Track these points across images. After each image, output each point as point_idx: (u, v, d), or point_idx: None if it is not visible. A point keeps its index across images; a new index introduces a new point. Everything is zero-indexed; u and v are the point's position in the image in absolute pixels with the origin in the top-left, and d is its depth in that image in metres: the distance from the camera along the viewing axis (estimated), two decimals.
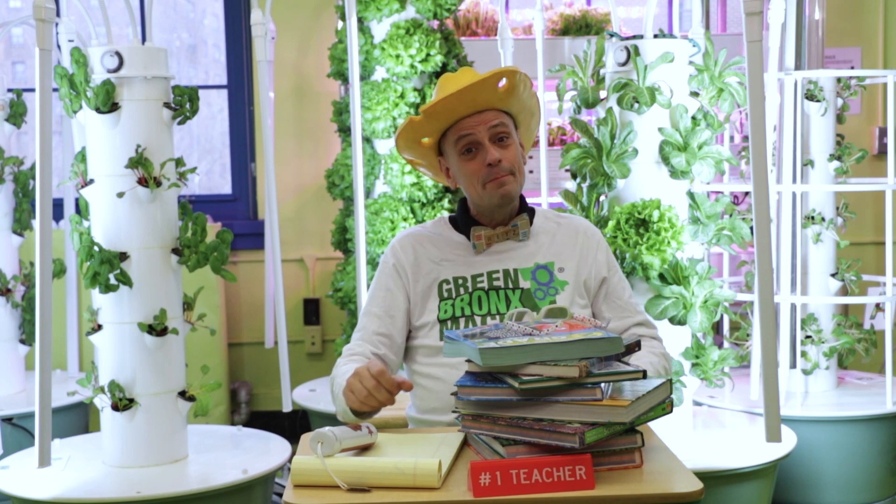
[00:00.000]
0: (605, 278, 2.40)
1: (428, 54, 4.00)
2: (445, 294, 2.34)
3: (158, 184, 3.08)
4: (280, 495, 3.52)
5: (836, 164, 3.92)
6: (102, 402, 3.14)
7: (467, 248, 2.39)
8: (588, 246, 2.41)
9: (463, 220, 2.41)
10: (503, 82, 2.27)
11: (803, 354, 3.89)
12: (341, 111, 4.28)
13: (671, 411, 1.90)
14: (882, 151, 5.00)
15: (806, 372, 3.88)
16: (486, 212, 2.38)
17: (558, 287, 2.34)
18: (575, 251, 2.39)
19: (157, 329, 3.10)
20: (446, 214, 2.49)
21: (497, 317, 2.29)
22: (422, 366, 2.36)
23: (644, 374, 1.84)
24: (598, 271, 2.39)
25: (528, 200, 2.48)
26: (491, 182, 2.30)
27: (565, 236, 2.41)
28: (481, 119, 2.30)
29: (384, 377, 1.98)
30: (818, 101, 3.87)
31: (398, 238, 2.45)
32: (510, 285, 2.33)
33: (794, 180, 3.80)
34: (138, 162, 3.06)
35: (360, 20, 4.07)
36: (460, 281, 2.34)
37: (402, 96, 4.00)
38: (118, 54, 3.05)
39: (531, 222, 2.41)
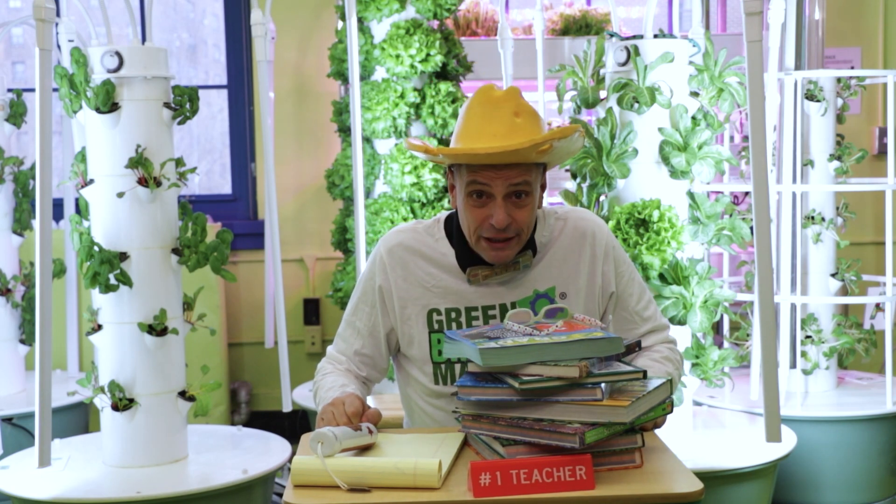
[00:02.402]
0: (613, 292, 2.22)
1: (428, 54, 4.00)
2: (436, 326, 2.18)
3: (158, 184, 3.08)
4: (280, 495, 3.52)
5: (836, 164, 3.91)
6: (102, 402, 3.14)
7: (462, 275, 2.18)
8: (594, 259, 2.20)
9: (459, 249, 2.18)
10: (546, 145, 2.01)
11: (803, 354, 3.89)
12: (341, 111, 4.28)
13: (671, 411, 1.90)
14: (882, 151, 5.00)
15: (806, 372, 3.88)
16: None
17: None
18: (579, 269, 2.20)
19: (157, 329, 3.10)
20: (444, 214, 2.27)
21: None
22: (419, 399, 2.26)
23: (644, 375, 1.84)
24: (605, 288, 2.21)
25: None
26: (487, 241, 2.09)
27: (569, 248, 2.21)
28: (503, 175, 2.03)
29: (356, 418, 1.99)
30: (818, 101, 3.87)
31: (388, 245, 2.22)
32: None
33: (794, 180, 3.80)
34: (138, 162, 3.06)
35: (360, 20, 4.07)
36: (453, 315, 2.17)
37: (402, 96, 4.00)
38: (118, 54, 3.05)
39: (535, 252, 2.18)
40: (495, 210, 2.05)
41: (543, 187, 2.17)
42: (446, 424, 2.20)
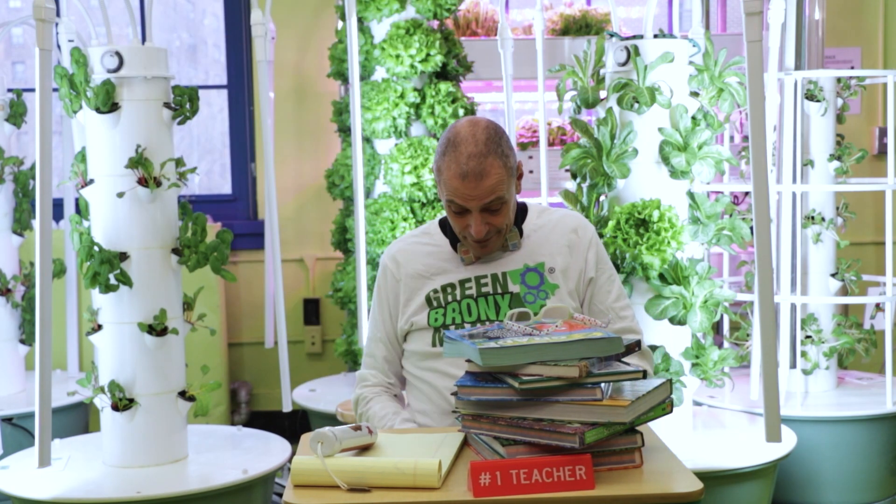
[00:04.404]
0: (592, 278, 2.35)
1: (428, 54, 4.00)
2: (434, 304, 2.33)
3: (158, 184, 3.08)
4: (280, 495, 3.52)
5: (836, 164, 3.91)
6: (102, 402, 3.14)
7: (458, 260, 2.36)
8: (579, 246, 2.36)
9: (452, 233, 2.37)
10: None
11: (803, 354, 3.89)
12: (341, 111, 4.28)
13: (671, 411, 1.90)
14: (882, 151, 5.00)
15: (806, 372, 3.88)
16: None
17: (549, 291, 2.30)
18: (566, 251, 2.35)
19: (157, 329, 3.11)
20: (438, 217, 2.46)
21: (487, 322, 2.27)
22: (415, 368, 2.36)
23: (644, 374, 1.84)
24: (586, 272, 2.35)
25: (528, 200, 2.44)
26: (472, 243, 2.28)
27: (557, 235, 2.36)
28: (477, 195, 2.20)
29: None
30: (818, 101, 3.87)
31: (390, 253, 2.42)
32: (499, 290, 2.30)
33: (794, 180, 3.80)
34: (138, 162, 3.06)
35: (360, 20, 4.07)
36: (448, 289, 2.32)
37: (402, 96, 4.00)
38: (118, 54, 3.05)
39: (521, 232, 2.36)
40: (473, 222, 2.23)
41: (520, 177, 2.32)
42: (439, 389, 2.29)
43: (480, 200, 2.20)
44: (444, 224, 2.42)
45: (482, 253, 2.30)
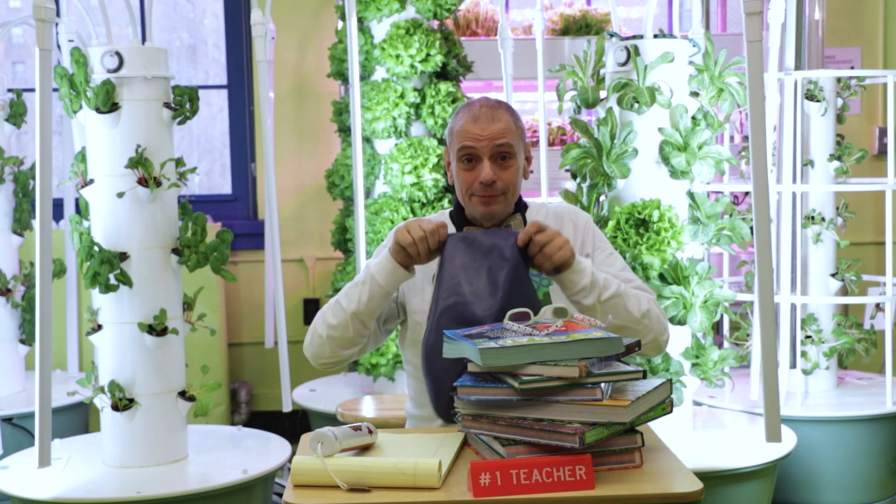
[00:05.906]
0: (589, 254, 2.40)
1: (428, 54, 4.00)
2: None
3: (158, 184, 3.08)
4: (280, 495, 3.52)
5: (836, 164, 3.91)
6: (102, 402, 3.14)
7: None
8: (576, 230, 2.42)
9: (458, 219, 2.43)
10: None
11: (803, 354, 3.89)
12: (341, 111, 4.28)
13: (671, 411, 1.90)
14: (882, 151, 5.00)
15: (806, 372, 3.88)
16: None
17: None
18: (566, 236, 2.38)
19: (157, 329, 3.11)
20: (448, 210, 2.49)
21: None
22: (418, 359, 2.35)
23: (644, 375, 1.84)
24: (583, 250, 2.40)
25: (528, 200, 2.47)
26: (478, 197, 2.31)
27: (555, 224, 2.41)
28: (488, 135, 2.29)
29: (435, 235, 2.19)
30: (818, 101, 3.87)
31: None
32: None
33: (794, 180, 3.80)
34: (138, 162, 3.06)
35: (360, 20, 4.07)
36: None
37: (402, 96, 4.00)
38: (118, 54, 3.06)
39: (525, 222, 2.40)
40: (482, 169, 2.29)
41: (529, 160, 2.41)
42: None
43: (491, 141, 2.27)
44: (452, 216, 2.46)
45: (486, 212, 2.31)
